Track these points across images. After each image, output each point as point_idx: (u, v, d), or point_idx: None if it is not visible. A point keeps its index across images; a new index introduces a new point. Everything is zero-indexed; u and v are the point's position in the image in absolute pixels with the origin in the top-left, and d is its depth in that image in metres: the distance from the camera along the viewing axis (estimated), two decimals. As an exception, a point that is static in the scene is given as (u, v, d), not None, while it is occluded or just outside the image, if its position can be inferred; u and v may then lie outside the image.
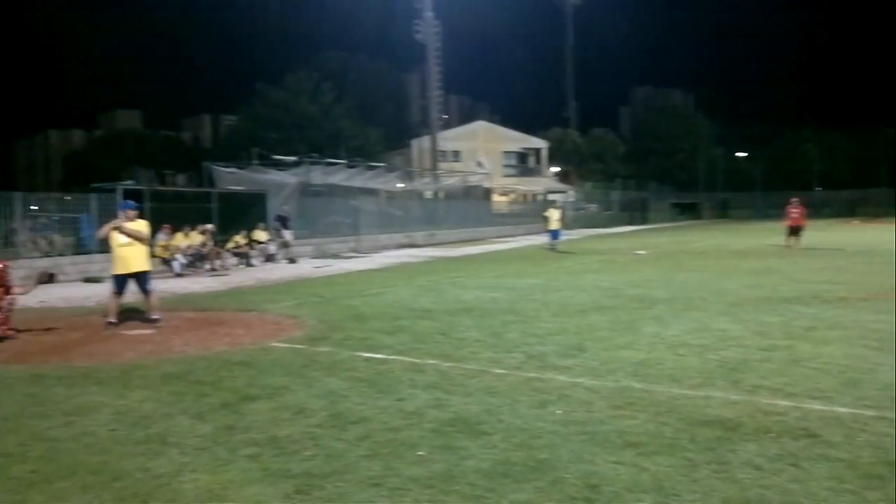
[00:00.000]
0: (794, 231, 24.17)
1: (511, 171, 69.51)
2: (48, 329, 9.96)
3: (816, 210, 79.25)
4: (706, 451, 4.64)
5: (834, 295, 12.14)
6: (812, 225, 37.67)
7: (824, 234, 35.85)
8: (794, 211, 24.38)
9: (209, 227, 20.08)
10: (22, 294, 10.00)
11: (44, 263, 16.71)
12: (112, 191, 18.63)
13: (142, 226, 10.03)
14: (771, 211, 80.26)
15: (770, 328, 9.10)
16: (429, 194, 43.92)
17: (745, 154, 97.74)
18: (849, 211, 76.21)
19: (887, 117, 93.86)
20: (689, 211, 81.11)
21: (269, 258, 22.49)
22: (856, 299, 11.57)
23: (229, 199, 23.66)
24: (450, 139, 63.88)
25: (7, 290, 9.39)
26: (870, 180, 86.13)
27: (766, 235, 33.39)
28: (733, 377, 6.56)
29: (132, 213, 10.09)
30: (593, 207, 65.76)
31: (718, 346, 8.02)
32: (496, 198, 55.67)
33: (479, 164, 62.41)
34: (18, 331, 9.43)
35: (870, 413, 5.36)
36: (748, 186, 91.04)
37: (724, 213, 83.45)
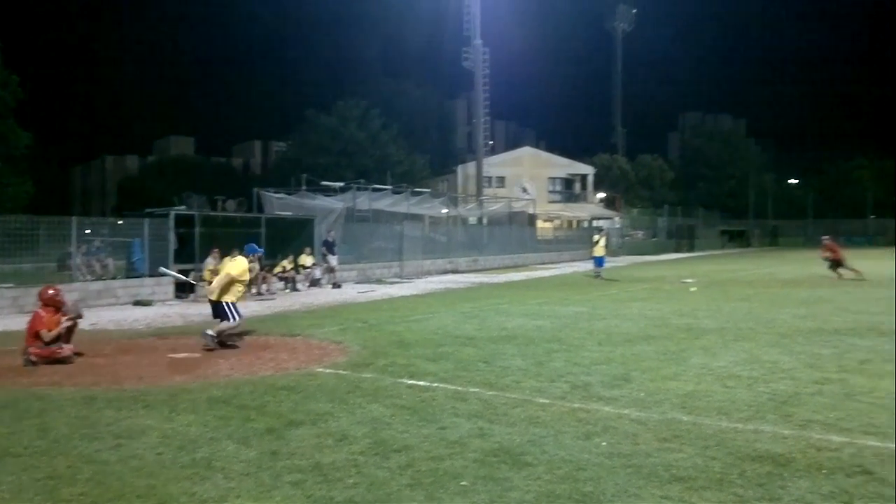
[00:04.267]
0: (837, 264, 23.69)
1: (556, 196, 69.34)
2: (98, 352, 10.16)
3: (870, 239, 77.53)
4: (756, 487, 4.53)
5: (889, 327, 11.79)
6: (865, 254, 36.73)
7: (877, 262, 34.88)
8: (829, 246, 24.30)
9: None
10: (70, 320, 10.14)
11: (97, 287, 17.14)
12: (165, 215, 19.04)
13: (230, 267, 10.58)
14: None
15: (822, 360, 8.87)
16: (473, 220, 43.96)
17: (797, 181, 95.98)
18: (905, 239, 74.05)
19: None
20: (738, 238, 79.59)
21: (315, 283, 22.69)
22: (913, 331, 11.21)
23: (277, 224, 23.97)
24: (495, 165, 63.95)
25: (61, 312, 9.61)
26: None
27: (817, 264, 32.56)
28: (784, 411, 6.40)
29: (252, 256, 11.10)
30: (640, 234, 65.08)
31: (769, 378, 7.85)
32: (541, 224, 55.49)
33: (524, 190, 62.37)
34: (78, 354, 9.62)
35: (929, 451, 5.17)
36: (799, 214, 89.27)
37: (774, 240, 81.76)
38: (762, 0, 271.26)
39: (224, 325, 10.36)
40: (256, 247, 11.41)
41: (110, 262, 18.87)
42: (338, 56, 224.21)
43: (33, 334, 9.25)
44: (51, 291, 9.67)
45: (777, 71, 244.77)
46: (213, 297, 10.47)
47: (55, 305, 9.57)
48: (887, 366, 8.44)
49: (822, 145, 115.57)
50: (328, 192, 31.75)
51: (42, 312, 9.44)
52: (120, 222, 19.71)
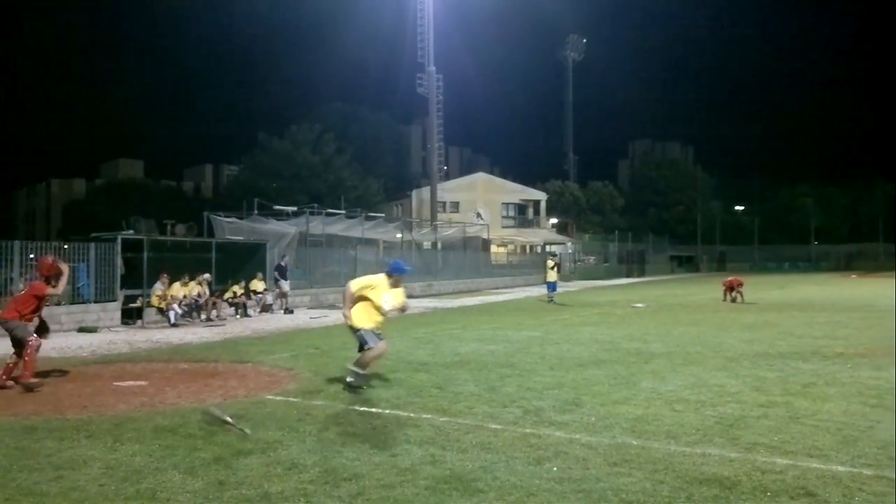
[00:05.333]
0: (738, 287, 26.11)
1: (510, 222, 69.94)
2: (41, 380, 9.85)
3: (814, 264, 79.80)
4: (703, 510, 4.58)
5: (832, 350, 12.12)
6: (810, 279, 37.67)
7: (820, 288, 35.87)
8: (730, 281, 26.91)
9: (206, 276, 20.06)
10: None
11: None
12: (112, 240, 18.66)
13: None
14: (769, 264, 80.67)
15: (767, 384, 9.06)
16: (427, 245, 44.04)
17: (743, 208, 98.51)
18: (846, 265, 76.49)
19: (884, 172, 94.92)
20: (686, 263, 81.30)
21: (266, 308, 22.42)
22: (854, 355, 11.54)
23: (228, 248, 23.70)
24: (449, 190, 64.40)
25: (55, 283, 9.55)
26: (867, 235, 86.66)
27: (763, 289, 33.35)
28: (731, 434, 6.51)
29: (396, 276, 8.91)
30: (591, 259, 65.91)
31: (716, 401, 7.97)
32: (494, 249, 55.81)
33: (478, 215, 62.73)
34: (15, 381, 9.34)
35: (868, 472, 5.31)
36: (746, 240, 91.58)
37: (721, 265, 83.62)
38: (710, 30, 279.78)
39: (366, 355, 8.72)
40: (404, 265, 9.12)
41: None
42: (292, 80, 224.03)
43: (31, 304, 9.39)
44: (50, 259, 9.86)
45: (724, 100, 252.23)
46: (350, 323, 8.77)
47: (55, 274, 9.58)
48: (830, 389, 8.66)
49: (767, 173, 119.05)
50: (280, 216, 31.50)
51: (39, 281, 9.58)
52: (65, 246, 19.15)
